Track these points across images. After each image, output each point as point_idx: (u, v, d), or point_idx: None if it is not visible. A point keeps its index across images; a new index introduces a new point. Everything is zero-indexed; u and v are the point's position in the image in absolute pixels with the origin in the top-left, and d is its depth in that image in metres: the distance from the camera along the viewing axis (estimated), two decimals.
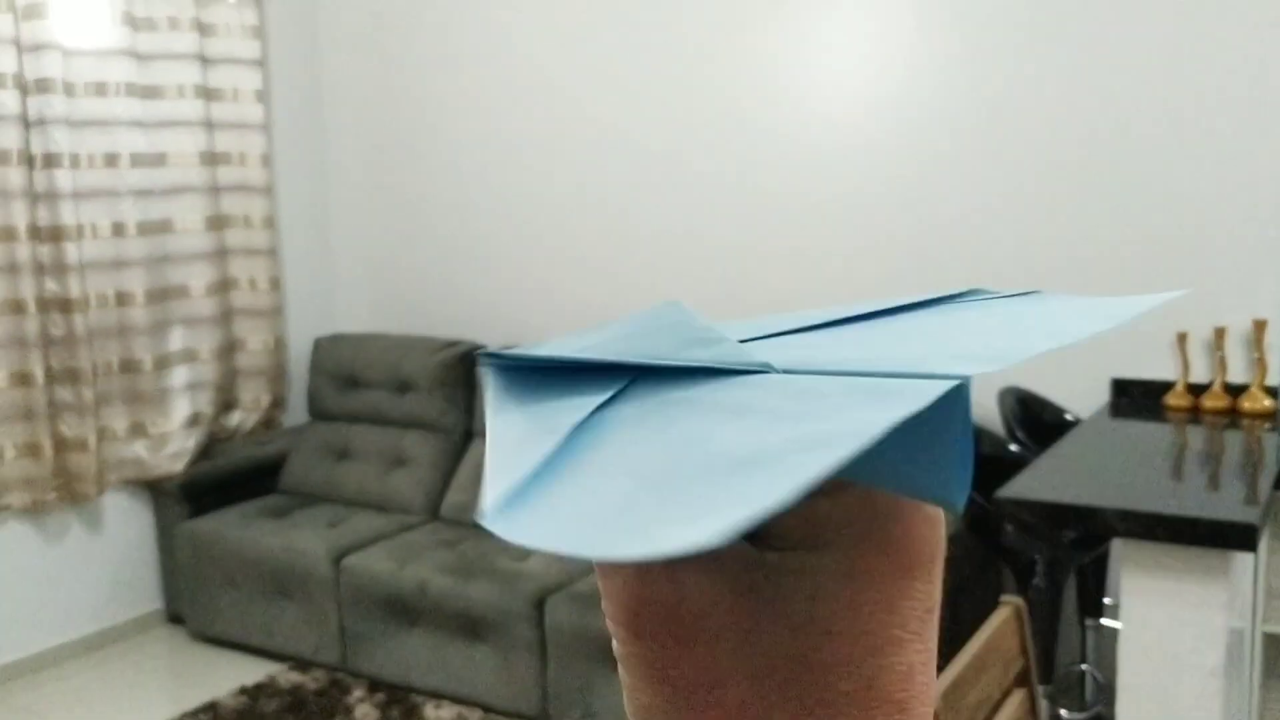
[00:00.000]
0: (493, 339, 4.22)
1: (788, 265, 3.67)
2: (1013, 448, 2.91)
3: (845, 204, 3.55)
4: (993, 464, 2.82)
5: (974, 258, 3.35)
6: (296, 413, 4.51)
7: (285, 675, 3.56)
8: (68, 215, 3.64)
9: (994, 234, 3.32)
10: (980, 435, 2.97)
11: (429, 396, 4.01)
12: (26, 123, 3.56)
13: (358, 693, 3.43)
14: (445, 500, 3.86)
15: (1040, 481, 2.36)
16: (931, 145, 3.38)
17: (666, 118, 3.83)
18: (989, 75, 3.28)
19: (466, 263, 4.34)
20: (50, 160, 3.60)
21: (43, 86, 3.56)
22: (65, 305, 3.67)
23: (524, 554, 3.44)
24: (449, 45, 4.23)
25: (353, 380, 4.20)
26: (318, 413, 4.29)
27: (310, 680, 3.52)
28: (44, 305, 3.66)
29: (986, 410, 3.26)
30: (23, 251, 3.56)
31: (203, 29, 4.05)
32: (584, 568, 3.31)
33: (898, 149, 3.44)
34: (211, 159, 4.11)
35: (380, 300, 4.59)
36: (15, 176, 3.52)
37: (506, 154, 4.17)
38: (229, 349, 4.24)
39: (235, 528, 3.77)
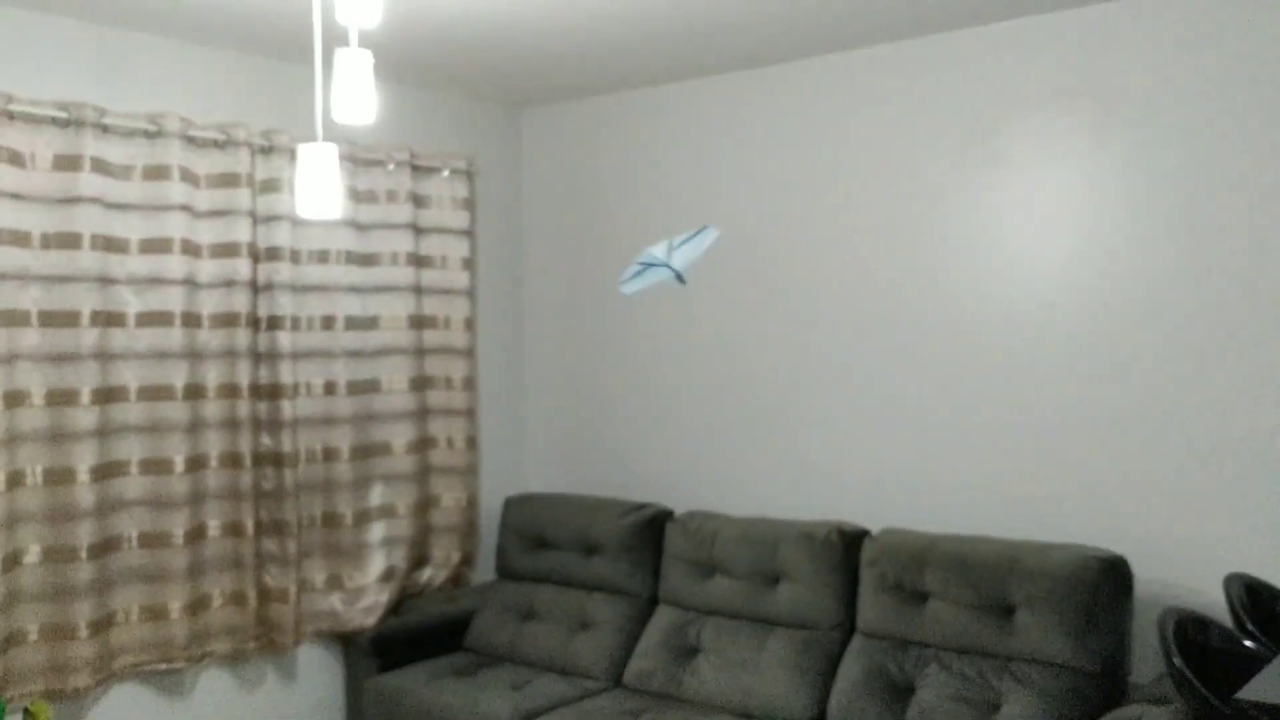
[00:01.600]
0: (679, 504, 4.21)
1: (987, 436, 3.57)
2: (1247, 643, 2.69)
3: (1054, 380, 3.44)
4: (1224, 659, 2.62)
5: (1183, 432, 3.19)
6: (484, 570, 4.57)
7: None
8: (286, 374, 3.85)
9: (1224, 411, 3.16)
10: (1209, 627, 2.77)
11: (615, 560, 4.00)
12: (255, 288, 3.81)
13: None
14: (629, 667, 3.80)
15: None
16: (1145, 317, 3.27)
17: (859, 290, 3.83)
18: (1203, 247, 3.17)
19: (655, 428, 4.37)
20: (274, 322, 3.83)
21: (272, 254, 3.82)
22: (278, 460, 3.85)
23: None
24: (644, 218, 4.36)
25: (541, 540, 4.23)
26: (505, 571, 4.33)
27: None
28: (259, 459, 3.84)
29: (1213, 600, 3.05)
30: (244, 408, 3.76)
31: (417, 200, 4.30)
32: None
33: (1108, 321, 3.34)
34: (419, 322, 4.30)
35: (570, 462, 4.66)
36: (243, 337, 3.76)
37: (696, 326, 4.23)
38: (425, 505, 4.35)
39: (422, 685, 3.79)
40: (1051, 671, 3.09)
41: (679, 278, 3.01)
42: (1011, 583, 3.17)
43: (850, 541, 3.56)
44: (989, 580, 3.21)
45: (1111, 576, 3.10)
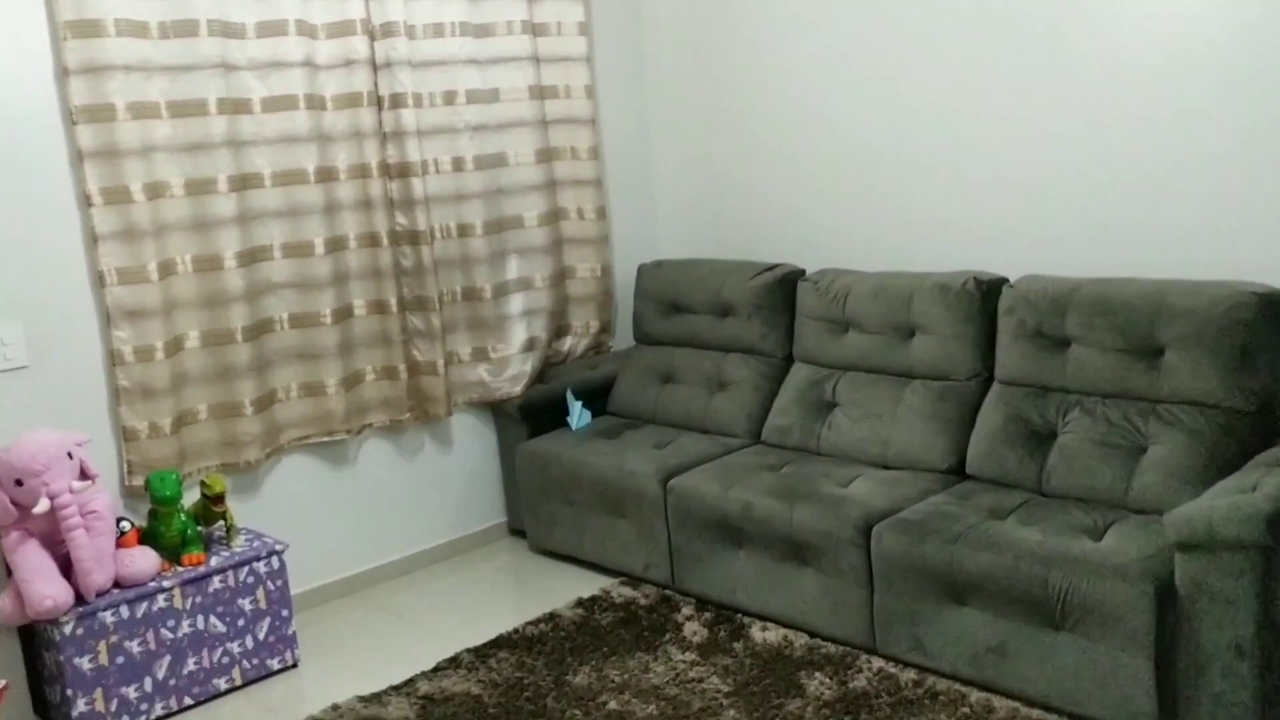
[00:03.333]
0: (810, 263, 4.14)
1: (1131, 173, 3.36)
2: None
3: (1172, 127, 3.19)
4: None
5: None
6: (623, 337, 4.64)
7: (618, 590, 3.70)
8: (413, 152, 3.87)
9: None
10: None
11: (749, 320, 4.00)
12: (374, 66, 3.79)
13: (686, 610, 3.51)
14: (767, 423, 3.85)
15: None
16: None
17: (989, 30, 3.57)
18: None
19: (783, 188, 4.27)
20: (396, 100, 3.83)
21: (388, 30, 3.78)
22: (414, 238, 3.92)
23: (847, 480, 3.38)
24: None
25: (675, 305, 4.25)
26: (642, 337, 4.38)
27: (641, 596, 3.64)
28: (395, 238, 3.92)
29: None
30: (376, 188, 3.81)
31: None
32: (912, 494, 3.21)
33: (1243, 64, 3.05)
34: (540, 93, 4.24)
35: (700, 227, 4.62)
36: (367, 117, 3.77)
37: (825, 80, 4.05)
38: (560, 277, 4.40)
39: (570, 448, 3.93)
40: (1202, 412, 2.99)
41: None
42: (1160, 323, 3.05)
43: (987, 290, 3.46)
44: (1135, 321, 3.09)
45: (1268, 310, 2.94)
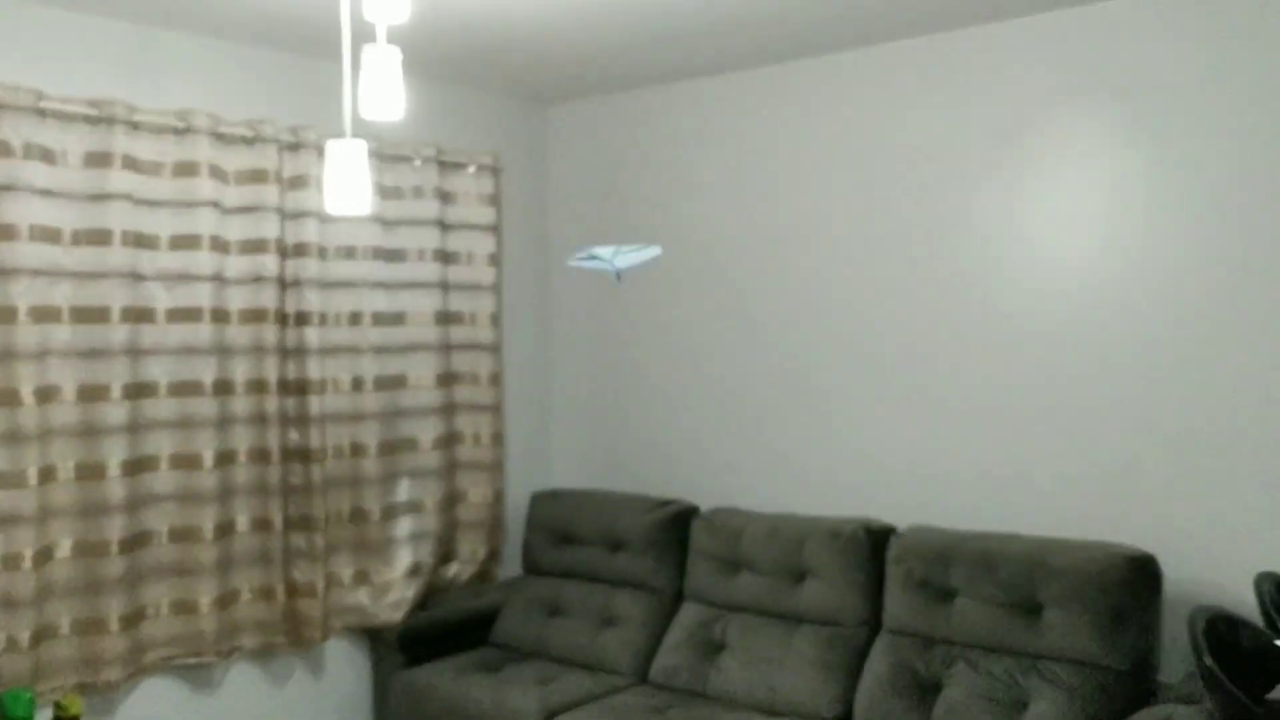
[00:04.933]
0: (705, 500, 4.20)
1: (1005, 438, 3.55)
2: (1278, 643, 2.67)
3: (1071, 384, 3.42)
4: (1255, 658, 2.59)
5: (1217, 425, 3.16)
6: (511, 566, 4.58)
7: None
8: (313, 370, 3.87)
9: (1252, 413, 3.13)
10: (1239, 627, 2.74)
11: (641, 556, 4.00)
12: (283, 283, 3.83)
13: None
14: (655, 663, 3.80)
15: None
16: (1164, 311, 3.25)
17: (887, 286, 3.81)
18: (1227, 241, 3.14)
19: (681, 425, 4.37)
20: (302, 319, 3.85)
21: (300, 250, 3.84)
22: (305, 455, 3.87)
23: None
24: (672, 214, 4.35)
25: (567, 536, 4.24)
26: (531, 567, 4.34)
27: None
28: (286, 455, 3.86)
29: (1243, 598, 3.02)
30: (271, 403, 3.78)
31: (444, 196, 4.31)
32: None
33: (1126, 318, 3.31)
34: (445, 318, 4.32)
35: (596, 458, 4.66)
36: (270, 333, 3.78)
37: (725, 320, 4.22)
38: (451, 501, 4.37)
39: (449, 680, 3.80)
40: (1080, 670, 3.07)
41: (618, 276, 3.45)
42: (1039, 581, 3.15)
43: (876, 538, 3.54)
44: (1016, 578, 3.19)
45: (1140, 574, 3.08)
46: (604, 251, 3.38)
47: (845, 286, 3.91)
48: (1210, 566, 3.21)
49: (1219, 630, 2.52)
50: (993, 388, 3.59)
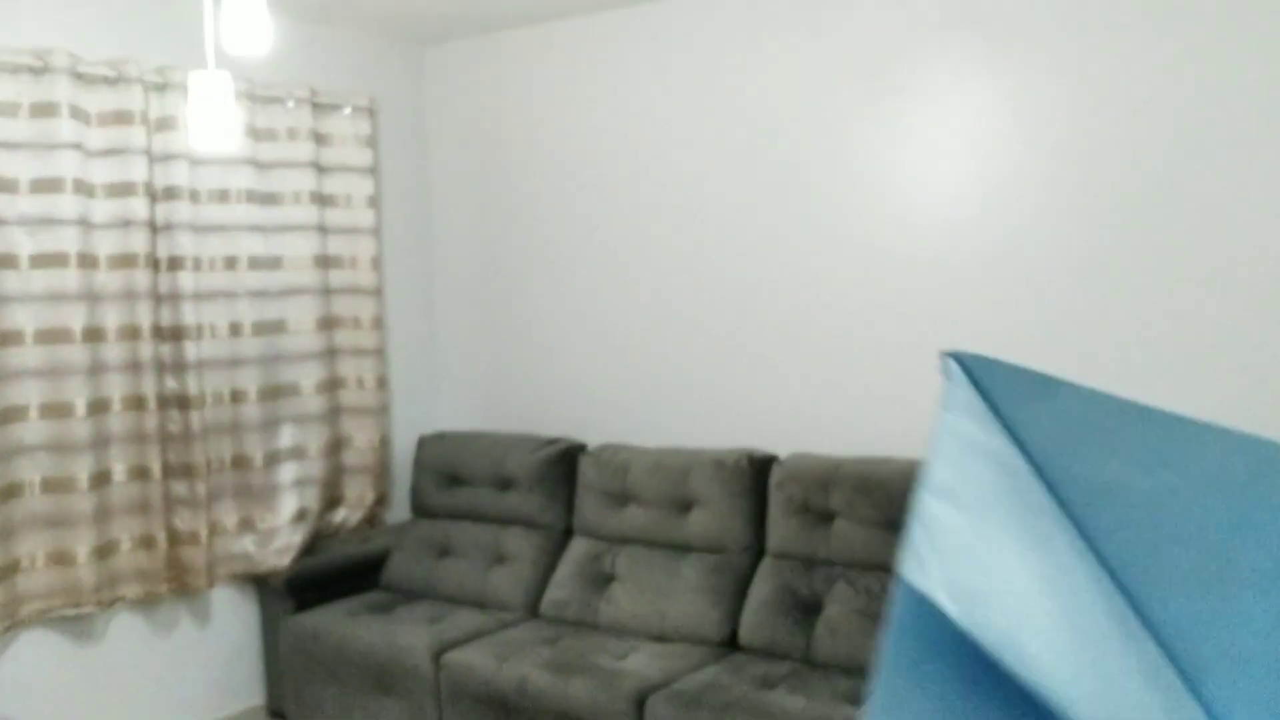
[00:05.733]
0: (592, 437, 4.24)
1: (881, 365, 3.66)
2: None
3: (938, 309, 3.54)
4: None
5: (1093, 358, 3.31)
6: (399, 509, 4.57)
7: None
8: (189, 315, 3.79)
9: (1114, 335, 3.28)
10: None
11: (530, 494, 4.03)
12: (154, 228, 3.73)
13: None
14: (545, 597, 3.85)
15: None
16: (1036, 241, 3.37)
17: (763, 221, 3.87)
18: (1098, 166, 3.27)
19: (566, 364, 4.40)
20: (175, 263, 3.76)
21: (170, 194, 3.74)
22: (183, 402, 3.80)
23: (623, 653, 3.40)
24: (553, 154, 4.35)
25: (455, 477, 4.24)
26: (420, 509, 4.34)
27: None
28: (163, 402, 3.78)
29: None
30: (146, 350, 3.70)
31: (319, 139, 4.23)
32: (686, 666, 3.27)
33: (995, 247, 3.43)
34: (324, 262, 4.25)
35: (482, 399, 4.67)
36: (142, 279, 3.68)
37: (607, 259, 4.25)
38: (336, 446, 4.33)
39: (338, 623, 3.80)
40: None
41: None
42: (913, 499, 3.26)
43: (759, 467, 3.63)
44: (893, 498, 3.30)
45: None
46: None
47: (721, 220, 3.97)
48: None
49: None
50: (868, 317, 3.69)
